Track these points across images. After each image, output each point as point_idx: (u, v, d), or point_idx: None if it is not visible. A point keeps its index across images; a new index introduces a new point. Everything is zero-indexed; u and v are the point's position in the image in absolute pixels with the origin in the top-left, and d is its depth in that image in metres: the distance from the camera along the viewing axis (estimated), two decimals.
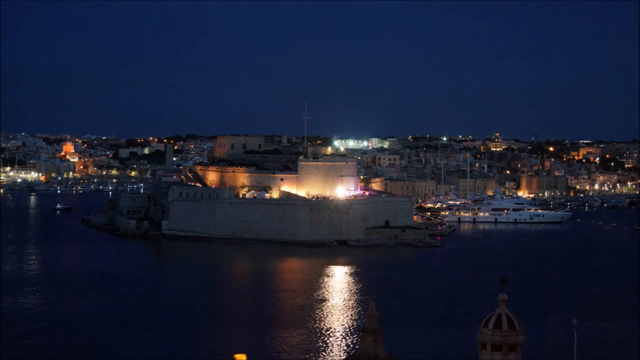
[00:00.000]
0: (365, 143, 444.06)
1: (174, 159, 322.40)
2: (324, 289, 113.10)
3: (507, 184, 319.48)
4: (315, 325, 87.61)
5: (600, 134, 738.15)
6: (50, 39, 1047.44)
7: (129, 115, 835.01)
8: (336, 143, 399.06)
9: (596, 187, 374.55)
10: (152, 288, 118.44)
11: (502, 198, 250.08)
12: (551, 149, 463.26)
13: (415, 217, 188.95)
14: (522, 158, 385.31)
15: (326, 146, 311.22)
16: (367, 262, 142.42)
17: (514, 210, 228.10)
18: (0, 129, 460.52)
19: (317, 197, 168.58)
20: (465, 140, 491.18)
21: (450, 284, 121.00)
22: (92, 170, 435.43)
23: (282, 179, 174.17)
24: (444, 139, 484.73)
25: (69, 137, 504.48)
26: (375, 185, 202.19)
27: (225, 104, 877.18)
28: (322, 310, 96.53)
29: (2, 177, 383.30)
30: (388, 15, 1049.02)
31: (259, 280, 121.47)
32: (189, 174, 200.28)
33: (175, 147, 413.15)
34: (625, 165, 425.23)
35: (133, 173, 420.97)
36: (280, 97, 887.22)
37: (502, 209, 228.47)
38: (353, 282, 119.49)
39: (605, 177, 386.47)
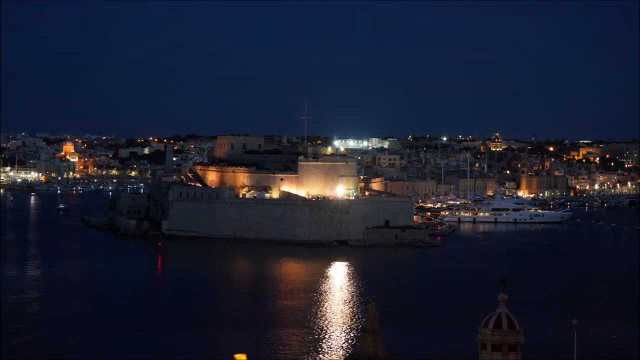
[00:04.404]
0: (365, 143, 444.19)
1: (174, 159, 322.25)
2: (323, 289, 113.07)
3: (507, 184, 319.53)
4: (315, 325, 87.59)
5: (600, 134, 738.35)
6: (51, 39, 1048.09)
7: (129, 115, 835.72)
8: (336, 143, 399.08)
9: (596, 187, 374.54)
10: (152, 288, 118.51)
11: (502, 198, 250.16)
12: (551, 149, 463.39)
13: (415, 217, 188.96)
14: (522, 158, 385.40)
15: (326, 146, 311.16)
16: (367, 262, 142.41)
17: (514, 210, 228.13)
18: (0, 129, 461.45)
19: (317, 197, 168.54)
20: (465, 140, 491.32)
21: (450, 284, 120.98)
22: (92, 170, 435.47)
23: (282, 179, 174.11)
24: (444, 139, 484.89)
25: (69, 137, 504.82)
26: (375, 185, 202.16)
27: (225, 104, 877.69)
28: (322, 310, 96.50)
29: (2, 177, 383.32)
30: (388, 15, 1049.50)
31: (258, 280, 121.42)
32: (189, 174, 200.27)
33: (175, 147, 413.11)
34: (625, 165, 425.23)
35: (133, 173, 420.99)
36: (280, 97, 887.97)
37: (502, 209, 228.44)
38: (353, 282, 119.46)
39: (605, 177, 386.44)
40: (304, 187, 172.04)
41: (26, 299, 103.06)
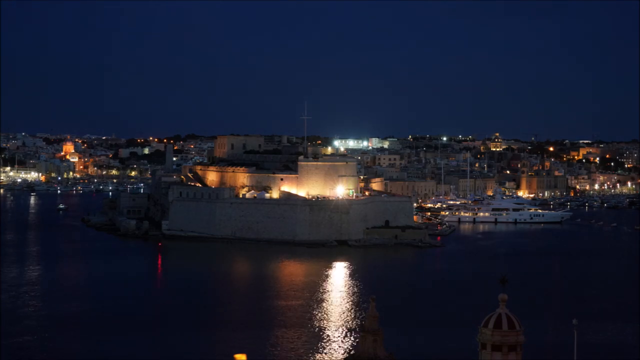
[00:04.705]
0: (365, 143, 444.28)
1: (174, 159, 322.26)
2: (323, 289, 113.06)
3: (507, 184, 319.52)
4: (315, 325, 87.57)
5: (600, 134, 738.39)
6: (51, 39, 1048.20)
7: (129, 115, 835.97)
8: (336, 143, 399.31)
9: (596, 187, 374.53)
10: (152, 288, 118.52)
11: (502, 198, 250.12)
12: (551, 149, 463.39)
13: (415, 217, 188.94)
14: (522, 158, 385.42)
15: (326, 146, 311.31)
16: (367, 262, 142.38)
17: (514, 210, 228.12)
18: (0, 129, 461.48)
19: (317, 197, 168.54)
20: (465, 140, 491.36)
21: (450, 284, 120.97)
22: (92, 170, 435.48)
23: (282, 179, 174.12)
24: (444, 139, 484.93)
25: (69, 137, 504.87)
26: (375, 185, 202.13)
27: (225, 104, 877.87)
28: (322, 310, 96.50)
29: (2, 177, 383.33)
30: (388, 15, 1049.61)
31: (258, 281, 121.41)
32: (189, 174, 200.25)
33: (175, 147, 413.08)
34: (625, 165, 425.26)
35: (133, 173, 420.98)
36: (280, 98, 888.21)
37: (502, 209, 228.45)
38: (353, 282, 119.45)
39: (605, 177, 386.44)
40: (304, 187, 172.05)
41: (26, 299, 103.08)
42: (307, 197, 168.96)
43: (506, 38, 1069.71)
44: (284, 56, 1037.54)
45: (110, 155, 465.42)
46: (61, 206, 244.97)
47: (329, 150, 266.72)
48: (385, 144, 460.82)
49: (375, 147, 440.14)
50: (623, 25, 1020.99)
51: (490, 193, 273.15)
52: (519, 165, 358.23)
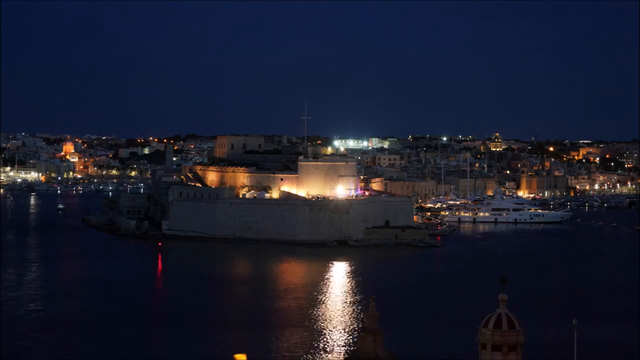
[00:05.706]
0: (365, 143, 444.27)
1: (174, 159, 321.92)
2: (323, 289, 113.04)
3: (507, 184, 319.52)
4: (315, 325, 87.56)
5: (600, 134, 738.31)
6: (51, 39, 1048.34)
7: (129, 115, 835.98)
8: (336, 143, 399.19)
9: (596, 187, 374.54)
10: (151, 288, 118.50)
11: (502, 198, 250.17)
12: (551, 149, 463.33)
13: (415, 217, 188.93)
14: (522, 158, 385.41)
15: (326, 146, 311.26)
16: (367, 262, 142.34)
17: (514, 210, 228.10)
18: (0, 129, 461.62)
19: (317, 197, 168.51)
20: (465, 140, 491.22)
21: (449, 284, 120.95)
22: (92, 170, 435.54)
23: (282, 179, 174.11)
24: (444, 139, 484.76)
25: (69, 137, 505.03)
26: (375, 185, 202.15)
27: (225, 104, 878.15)
28: (322, 310, 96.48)
29: (2, 177, 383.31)
30: (388, 15, 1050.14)
31: (258, 281, 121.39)
32: (189, 174, 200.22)
33: (175, 147, 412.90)
34: (625, 165, 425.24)
35: (133, 173, 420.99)
36: (280, 97, 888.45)
37: (502, 209, 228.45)
38: (353, 282, 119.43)
39: (605, 177, 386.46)
40: (304, 187, 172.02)
41: (26, 299, 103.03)
42: (307, 197, 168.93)
43: (506, 38, 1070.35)
44: (284, 56, 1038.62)
45: (110, 155, 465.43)
46: (61, 206, 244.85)
47: (329, 150, 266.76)
48: (385, 144, 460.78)
49: (375, 147, 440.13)
50: (623, 25, 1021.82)
51: (490, 193, 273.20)
52: (519, 165, 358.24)
